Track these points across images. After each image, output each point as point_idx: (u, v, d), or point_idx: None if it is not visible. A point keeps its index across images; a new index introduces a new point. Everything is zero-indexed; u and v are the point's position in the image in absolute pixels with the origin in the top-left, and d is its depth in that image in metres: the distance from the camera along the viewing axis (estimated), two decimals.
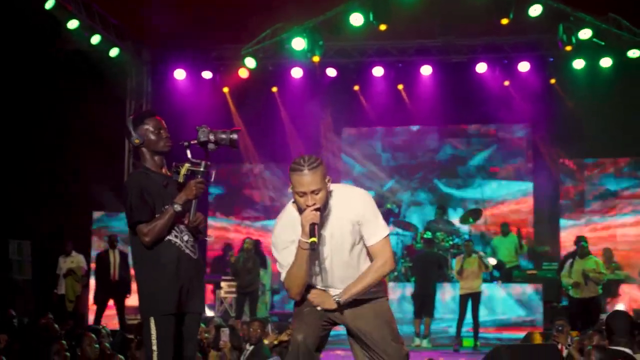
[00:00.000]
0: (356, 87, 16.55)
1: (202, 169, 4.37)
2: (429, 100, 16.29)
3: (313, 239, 3.96)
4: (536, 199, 16.66)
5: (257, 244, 14.33)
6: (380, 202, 16.37)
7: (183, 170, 4.35)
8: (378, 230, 4.19)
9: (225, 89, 16.62)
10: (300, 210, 4.05)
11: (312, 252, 4.05)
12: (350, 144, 17.55)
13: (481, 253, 13.00)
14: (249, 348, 8.95)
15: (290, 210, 4.20)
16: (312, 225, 3.98)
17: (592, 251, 12.79)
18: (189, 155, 4.39)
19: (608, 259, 14.23)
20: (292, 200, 4.15)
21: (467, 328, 12.64)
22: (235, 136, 4.35)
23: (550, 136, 16.38)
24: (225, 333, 9.20)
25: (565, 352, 8.38)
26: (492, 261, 14.75)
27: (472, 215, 15.80)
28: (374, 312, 4.27)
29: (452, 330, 12.78)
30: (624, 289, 14.44)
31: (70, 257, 13.82)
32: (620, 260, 15.13)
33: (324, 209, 4.10)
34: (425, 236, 14.88)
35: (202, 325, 8.34)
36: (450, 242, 15.14)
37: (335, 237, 4.16)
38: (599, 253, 14.20)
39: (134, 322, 11.44)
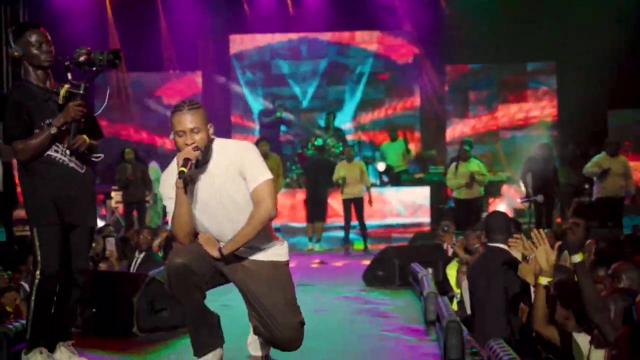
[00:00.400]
0: None
1: (81, 92, 4.26)
2: (315, 7, 16.19)
3: (182, 168, 3.87)
4: (422, 104, 16.99)
5: (137, 151, 14.05)
6: (271, 110, 16.31)
7: (62, 92, 4.24)
8: (258, 175, 4.03)
9: None
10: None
11: (197, 199, 4.02)
12: (237, 51, 17.32)
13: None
14: (140, 256, 8.94)
15: (175, 161, 4.09)
16: (186, 159, 3.90)
17: (476, 154, 13.25)
18: (69, 77, 4.30)
19: (491, 162, 14.74)
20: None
21: (356, 231, 12.95)
22: (112, 56, 4.29)
23: (437, 42, 16.58)
24: (110, 242, 9.11)
25: (450, 251, 8.72)
26: (381, 167, 15.06)
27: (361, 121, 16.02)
28: (268, 276, 4.14)
29: (343, 234, 13.06)
30: (505, 189, 15.03)
31: None
32: (502, 161, 15.74)
33: (205, 157, 4.02)
34: (315, 143, 15.00)
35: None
36: (340, 149, 15.30)
37: (219, 189, 4.06)
38: (484, 155, 14.73)
39: (22, 233, 11.17)
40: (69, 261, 4.36)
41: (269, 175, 4.06)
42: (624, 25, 14.22)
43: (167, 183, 4.10)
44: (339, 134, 15.87)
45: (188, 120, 3.94)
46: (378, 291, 7.63)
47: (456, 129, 16.82)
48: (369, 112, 16.99)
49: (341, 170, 12.73)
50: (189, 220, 4.02)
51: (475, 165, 12.50)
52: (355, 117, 16.91)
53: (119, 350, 4.94)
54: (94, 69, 4.31)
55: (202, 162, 4.02)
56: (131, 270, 8.60)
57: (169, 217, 4.12)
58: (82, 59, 4.27)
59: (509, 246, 5.48)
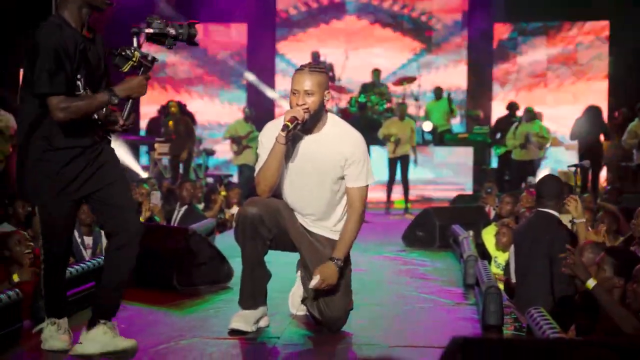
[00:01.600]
0: None
1: (150, 65, 3.71)
2: None
3: (287, 122, 3.94)
4: (469, 63, 16.74)
5: (182, 105, 14.10)
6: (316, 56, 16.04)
7: (135, 58, 3.63)
8: (363, 176, 4.17)
9: None
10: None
11: (293, 161, 4.09)
12: (284, 5, 17.21)
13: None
14: (181, 209, 9.00)
15: (283, 116, 4.16)
16: (294, 117, 3.96)
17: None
18: (136, 44, 3.69)
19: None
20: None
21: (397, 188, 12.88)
22: (194, 31, 3.84)
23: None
24: (155, 196, 9.16)
25: (492, 214, 8.64)
26: (427, 126, 14.86)
27: (406, 79, 15.80)
28: (331, 254, 4.17)
29: (383, 192, 13.00)
30: (551, 151, 14.76)
31: None
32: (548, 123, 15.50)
33: (314, 123, 4.09)
34: (359, 100, 14.88)
35: (145, 186, 8.30)
36: (384, 106, 15.15)
37: (318, 163, 4.13)
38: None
39: None
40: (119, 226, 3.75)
41: (372, 180, 4.23)
42: None
43: (268, 133, 4.15)
44: (384, 90, 15.72)
45: (305, 81, 4.03)
46: (417, 252, 7.61)
47: (503, 89, 16.56)
48: (416, 70, 16.83)
49: (392, 127, 12.60)
50: (275, 175, 4.07)
51: (537, 127, 12.37)
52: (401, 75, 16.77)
53: (158, 304, 4.98)
54: (169, 43, 3.79)
55: (309, 126, 4.07)
56: (172, 224, 8.68)
57: (256, 170, 4.15)
58: (170, 30, 3.72)
59: (559, 212, 5.39)
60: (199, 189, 10.41)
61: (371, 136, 13.04)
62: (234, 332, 4.11)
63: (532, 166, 12.41)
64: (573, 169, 8.37)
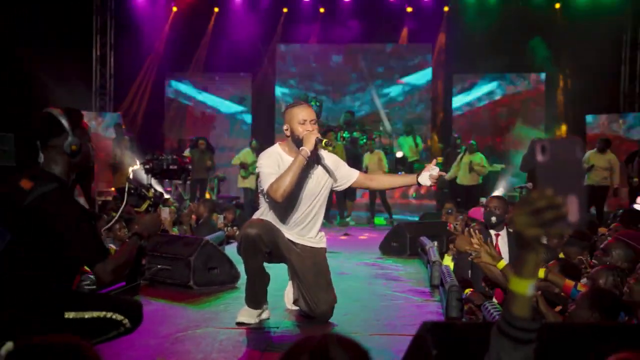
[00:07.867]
0: (285, 10, 16.26)
1: (160, 202, 3.34)
2: (346, 20, 16.17)
3: (325, 139, 4.00)
4: (433, 105, 16.80)
5: (208, 142, 14.03)
6: (303, 99, 15.93)
7: (151, 198, 3.29)
8: (353, 171, 4.44)
9: (174, 9, 16.17)
10: (296, 141, 4.08)
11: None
12: (283, 58, 17.19)
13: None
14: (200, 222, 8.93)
15: (276, 147, 4.20)
16: (317, 138, 4.00)
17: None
18: (151, 181, 3.61)
19: (488, 155, 14.50)
20: (277, 143, 4.23)
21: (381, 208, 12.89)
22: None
23: (446, 54, 16.42)
24: (165, 211, 9.04)
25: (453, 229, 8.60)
26: (399, 154, 14.88)
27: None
28: (314, 260, 4.25)
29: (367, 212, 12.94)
30: (501, 178, 14.75)
31: None
32: (499, 155, 15.55)
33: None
34: (344, 135, 14.86)
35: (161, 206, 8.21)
36: (365, 141, 15.10)
37: (310, 184, 4.16)
38: (483, 150, 14.50)
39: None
40: None
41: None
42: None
43: (266, 159, 4.08)
44: (364, 127, 15.71)
45: (309, 112, 4.10)
46: (392, 259, 7.58)
47: (461, 127, 16.59)
48: (390, 109, 16.85)
49: (366, 159, 12.65)
50: (294, 184, 3.99)
51: (478, 158, 12.37)
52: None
53: (179, 300, 4.95)
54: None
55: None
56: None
57: (267, 183, 3.98)
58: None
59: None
60: (216, 206, 10.34)
61: (358, 167, 12.98)
62: (240, 324, 4.09)
63: (476, 190, 12.38)
64: (518, 190, 8.36)
